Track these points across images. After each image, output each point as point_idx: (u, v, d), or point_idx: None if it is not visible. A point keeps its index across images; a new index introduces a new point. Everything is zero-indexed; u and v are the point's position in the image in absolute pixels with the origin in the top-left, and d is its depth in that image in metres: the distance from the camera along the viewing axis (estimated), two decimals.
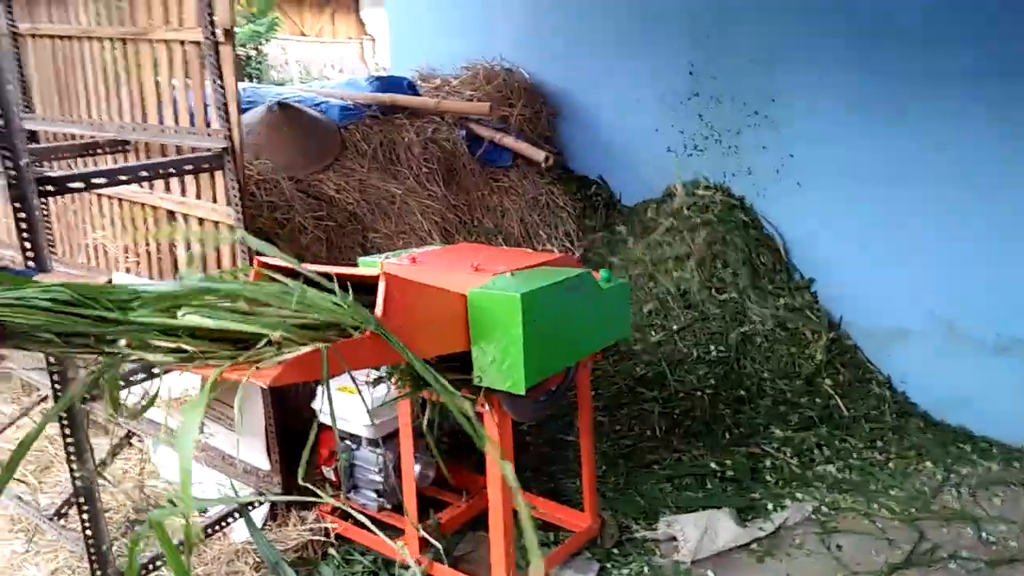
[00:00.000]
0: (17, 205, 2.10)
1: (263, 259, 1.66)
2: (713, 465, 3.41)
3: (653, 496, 3.19)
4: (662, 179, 4.78)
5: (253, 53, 12.52)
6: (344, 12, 17.91)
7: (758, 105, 4.35)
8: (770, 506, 3.21)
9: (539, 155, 4.71)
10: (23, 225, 2.11)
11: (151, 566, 2.42)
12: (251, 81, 12.20)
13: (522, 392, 2.02)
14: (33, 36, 3.55)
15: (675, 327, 3.97)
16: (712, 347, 3.96)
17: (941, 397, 3.95)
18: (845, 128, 4.06)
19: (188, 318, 1.27)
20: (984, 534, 3.08)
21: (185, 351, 1.29)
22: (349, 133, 4.39)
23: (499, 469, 2.29)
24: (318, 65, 13.79)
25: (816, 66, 4.10)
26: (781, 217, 4.45)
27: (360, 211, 3.99)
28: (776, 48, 4.24)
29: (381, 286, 1.59)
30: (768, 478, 3.41)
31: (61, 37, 3.42)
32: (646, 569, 2.79)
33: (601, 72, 5.08)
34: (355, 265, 3.53)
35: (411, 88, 5.07)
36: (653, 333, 3.99)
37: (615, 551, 2.88)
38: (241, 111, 3.06)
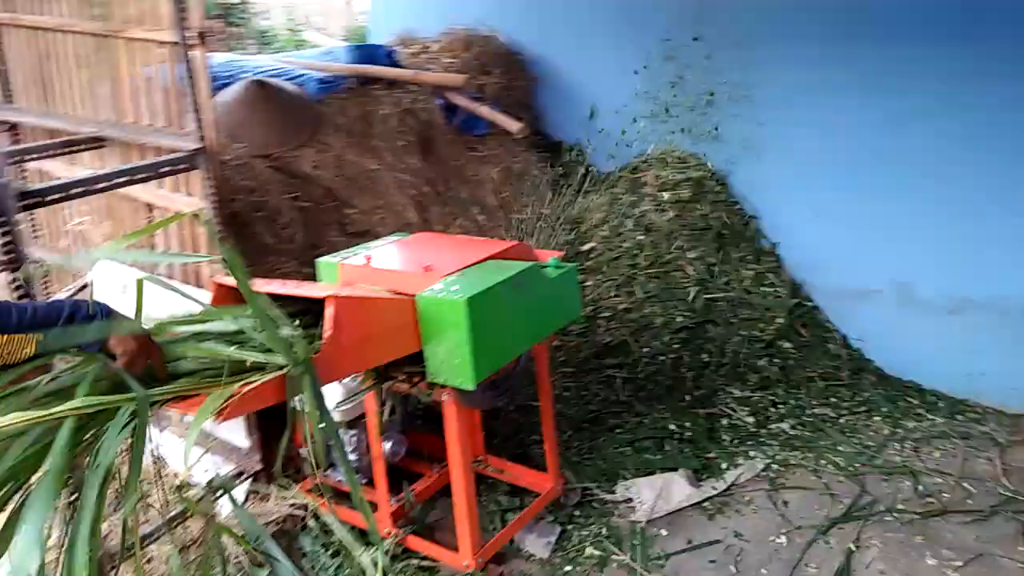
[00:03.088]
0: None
1: (221, 281, 1.84)
2: (672, 427, 3.63)
3: (614, 459, 3.42)
4: (636, 146, 4.90)
5: (236, 1, 12.36)
6: None
7: (731, 74, 4.45)
8: (724, 465, 3.45)
9: (514, 126, 4.82)
10: (7, 239, 2.27)
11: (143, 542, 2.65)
12: (235, 28, 12.11)
13: (472, 387, 2.22)
14: (13, 26, 3.64)
15: (642, 295, 4.15)
16: (677, 314, 4.15)
17: (895, 355, 4.17)
18: (814, 100, 4.20)
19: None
20: (921, 487, 3.32)
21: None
22: (326, 106, 4.49)
23: (453, 448, 2.51)
24: (303, 9, 13.61)
25: (789, 39, 4.20)
26: (749, 185, 4.58)
27: (337, 188, 4.13)
28: (752, 21, 4.32)
29: (329, 311, 1.77)
30: (724, 437, 3.64)
31: (40, 28, 3.52)
32: (604, 530, 3.04)
33: (578, 39, 5.15)
34: (332, 246, 3.71)
35: (389, 57, 5.15)
36: (620, 301, 4.17)
37: (576, 513, 3.13)
38: (217, 94, 3.17)
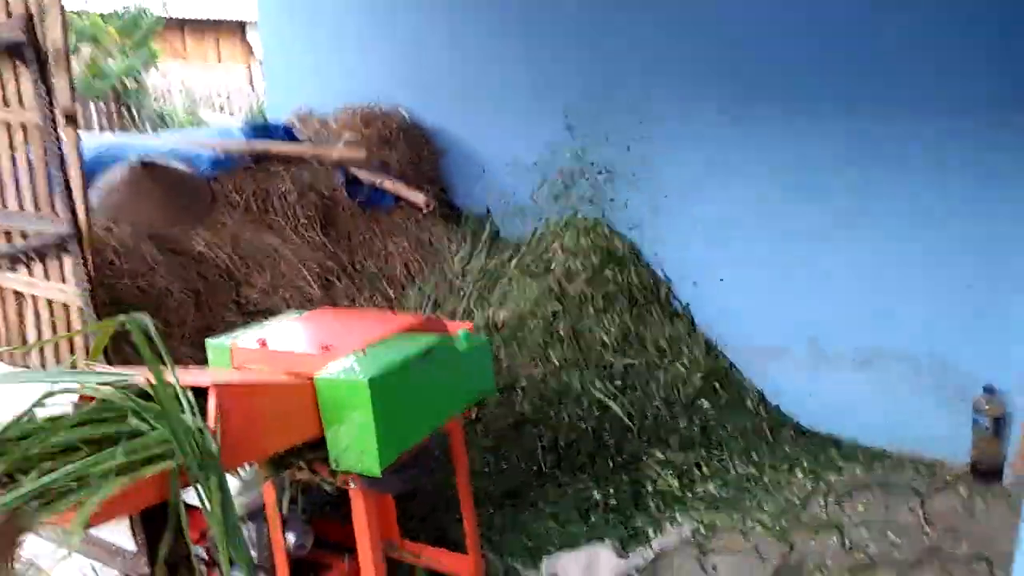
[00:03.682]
0: None
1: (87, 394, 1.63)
2: (597, 496, 3.51)
3: (538, 534, 3.26)
4: (544, 214, 4.87)
5: (132, 85, 12.10)
6: (229, 36, 17.48)
7: (634, 143, 4.48)
8: (652, 531, 3.33)
9: (419, 198, 4.74)
10: None
11: None
12: (129, 114, 11.83)
13: (377, 474, 2.05)
14: None
15: (558, 362, 4.06)
16: (595, 379, 4.06)
17: (811, 409, 4.18)
18: (716, 167, 4.26)
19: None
20: (848, 541, 3.28)
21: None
22: (220, 185, 4.32)
23: (362, 540, 2.31)
24: (204, 91, 13.40)
25: (690, 106, 4.28)
26: (658, 249, 4.57)
27: (233, 266, 3.93)
28: (653, 93, 4.40)
29: (212, 401, 1.59)
30: (650, 503, 3.53)
31: None
32: None
33: (482, 111, 5.13)
34: (229, 327, 3.49)
35: (287, 133, 5.03)
36: (537, 370, 4.06)
37: None
38: (94, 182, 2.95)
